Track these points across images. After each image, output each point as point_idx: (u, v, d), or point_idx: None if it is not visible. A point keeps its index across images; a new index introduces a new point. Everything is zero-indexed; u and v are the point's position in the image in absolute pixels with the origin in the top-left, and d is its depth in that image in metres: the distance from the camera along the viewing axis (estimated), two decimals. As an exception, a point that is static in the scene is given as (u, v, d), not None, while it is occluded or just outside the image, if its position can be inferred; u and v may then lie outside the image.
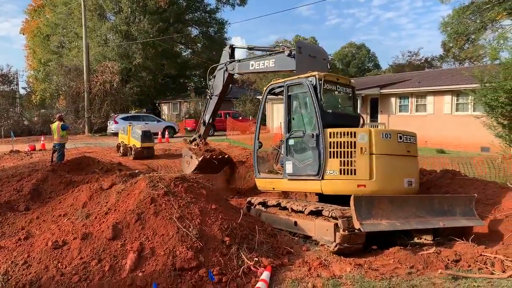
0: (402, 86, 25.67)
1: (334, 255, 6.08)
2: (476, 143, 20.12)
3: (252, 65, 9.31)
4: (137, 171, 9.52)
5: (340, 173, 6.86)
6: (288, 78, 8.08)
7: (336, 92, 8.15)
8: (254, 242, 5.82)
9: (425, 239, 6.79)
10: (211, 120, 11.35)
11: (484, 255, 5.68)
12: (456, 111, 22.18)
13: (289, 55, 8.58)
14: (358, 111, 25.18)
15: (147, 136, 16.98)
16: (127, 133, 17.66)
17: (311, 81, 7.42)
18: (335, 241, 6.29)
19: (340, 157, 6.88)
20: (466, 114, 21.23)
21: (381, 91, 25.82)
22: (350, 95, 8.41)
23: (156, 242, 5.14)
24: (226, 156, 11.86)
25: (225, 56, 10.45)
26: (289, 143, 7.80)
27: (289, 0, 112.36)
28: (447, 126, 22.13)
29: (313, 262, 5.61)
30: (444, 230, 6.89)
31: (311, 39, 63.53)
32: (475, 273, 5.26)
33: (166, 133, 26.37)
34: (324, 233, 6.53)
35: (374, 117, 26.94)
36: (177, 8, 43.05)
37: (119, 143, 18.68)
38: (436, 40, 74.83)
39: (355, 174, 6.77)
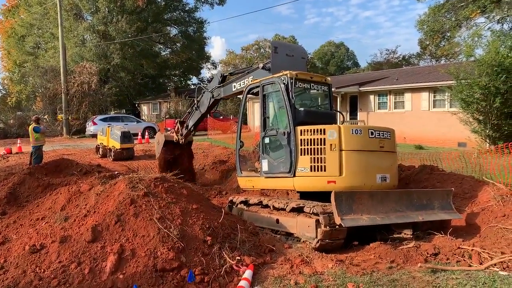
0: (380, 84, 26.02)
1: (316, 252, 6.12)
2: (453, 139, 20.52)
3: (235, 86, 9.52)
4: (116, 172, 9.40)
5: (311, 170, 6.96)
6: (264, 78, 8.22)
7: (311, 90, 8.21)
8: (236, 241, 5.80)
9: (405, 233, 6.86)
10: (193, 128, 11.63)
11: (462, 248, 5.79)
12: (433, 108, 22.58)
13: (263, 67, 8.73)
14: (338, 109, 25.42)
15: (126, 137, 16.81)
16: (106, 134, 17.44)
17: (283, 80, 7.52)
18: (316, 237, 6.33)
19: (311, 154, 6.97)
20: (443, 111, 21.64)
21: (360, 89, 26.10)
22: (327, 92, 8.45)
23: (137, 244, 5.08)
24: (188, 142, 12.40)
25: (215, 82, 10.63)
26: (265, 142, 7.92)
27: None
28: (425, 122, 22.52)
29: (295, 260, 5.63)
30: (423, 224, 6.99)
31: (290, 38, 63.77)
32: (454, 266, 5.36)
33: (146, 133, 26.12)
34: (306, 230, 6.58)
35: (353, 114, 27.21)
36: (155, 7, 42.64)
37: (98, 145, 18.45)
38: (413, 38, 76.31)
39: (325, 170, 6.85)
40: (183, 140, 11.92)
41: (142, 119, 36.46)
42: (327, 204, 6.42)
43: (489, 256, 5.47)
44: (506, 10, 24.71)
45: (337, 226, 6.19)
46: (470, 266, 5.34)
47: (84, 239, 5.08)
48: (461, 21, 28.01)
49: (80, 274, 4.68)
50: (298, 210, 6.82)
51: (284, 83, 7.48)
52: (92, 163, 13.26)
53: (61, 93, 31.48)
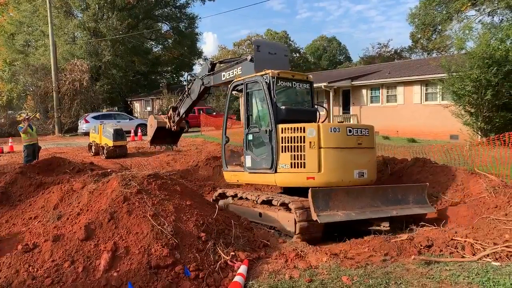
0: (372, 78, 26.06)
1: (310, 246, 6.14)
2: (445, 132, 20.65)
3: (224, 75, 9.71)
4: (109, 170, 9.35)
5: (291, 167, 7.24)
6: (247, 76, 8.41)
7: (293, 88, 8.46)
8: (231, 237, 5.80)
9: (383, 225, 7.17)
10: (184, 115, 11.90)
11: (455, 240, 5.83)
12: (425, 101, 22.66)
13: (251, 60, 8.85)
14: (331, 103, 25.47)
15: (119, 134, 16.71)
16: (99, 132, 17.33)
17: (265, 79, 7.74)
18: (295, 231, 6.70)
19: (291, 151, 7.25)
20: (435, 104, 21.74)
21: (353, 83, 26.15)
22: (308, 90, 8.70)
23: (130, 241, 5.06)
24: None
25: (204, 69, 10.84)
26: (248, 138, 8.18)
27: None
28: (417, 115, 22.61)
29: (290, 254, 5.64)
30: (402, 217, 7.31)
31: (282, 33, 63.73)
32: (447, 257, 5.40)
33: (139, 131, 26.01)
34: (286, 224, 6.94)
35: (346, 108, 27.27)
36: (146, 3, 42.34)
37: (91, 143, 18.34)
38: (404, 31, 76.46)
39: (304, 167, 7.13)
40: (175, 127, 12.22)
41: (135, 116, 36.29)
42: (305, 199, 6.71)
43: (482, 247, 5.52)
44: (496, 2, 24.85)
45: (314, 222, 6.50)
46: (463, 257, 5.38)
47: (77, 238, 5.04)
48: (452, 14, 28.14)
49: (73, 272, 4.65)
50: (280, 205, 7.13)
51: (266, 82, 7.69)
52: (85, 161, 13.16)
53: (52, 91, 31.21)
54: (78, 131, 29.10)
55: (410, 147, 14.60)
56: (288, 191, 7.73)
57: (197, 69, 61.95)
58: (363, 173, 7.42)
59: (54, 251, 4.90)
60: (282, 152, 7.33)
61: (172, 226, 5.32)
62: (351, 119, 25.97)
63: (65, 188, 6.96)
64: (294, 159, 7.19)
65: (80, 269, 4.69)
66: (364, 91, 25.90)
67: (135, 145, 20.30)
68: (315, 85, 26.98)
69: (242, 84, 8.43)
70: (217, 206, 6.54)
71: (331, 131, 7.14)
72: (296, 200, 6.92)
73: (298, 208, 6.70)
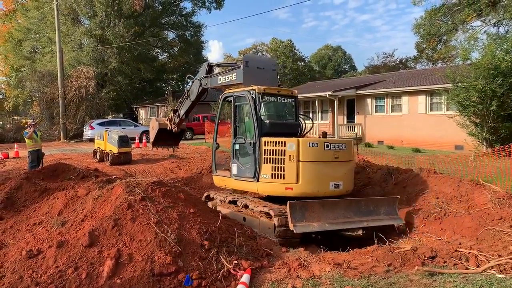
0: (377, 87, 26.08)
1: (314, 255, 6.14)
2: (450, 142, 20.59)
3: (220, 79, 10.03)
4: (114, 176, 9.39)
5: (272, 177, 7.79)
6: (236, 89, 8.99)
7: (279, 102, 9.03)
8: (234, 245, 5.80)
9: (357, 233, 8.01)
10: (184, 116, 12.25)
11: (459, 251, 5.80)
12: (430, 111, 22.64)
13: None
14: (336, 112, 25.45)
15: (124, 141, 16.76)
16: (104, 138, 17.41)
17: (251, 94, 8.28)
18: (275, 237, 7.14)
19: (272, 163, 7.79)
20: (440, 114, 21.71)
21: (357, 92, 26.17)
22: (293, 104, 9.26)
23: (134, 248, 5.07)
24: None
25: (202, 71, 11.09)
26: (235, 148, 8.77)
27: (266, 4, 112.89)
28: (422, 125, 22.57)
29: (293, 263, 5.63)
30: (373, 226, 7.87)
31: (288, 42, 63.92)
32: (451, 269, 5.37)
33: (144, 137, 26.09)
34: (266, 230, 7.39)
35: (351, 118, 27.28)
36: (152, 12, 42.66)
37: (96, 149, 18.41)
38: (410, 41, 76.62)
39: (284, 178, 7.67)
40: (176, 128, 12.50)
41: (140, 123, 36.41)
42: (285, 207, 7.20)
43: (486, 259, 5.48)
44: (502, 13, 24.84)
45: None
46: (467, 269, 5.35)
47: (81, 244, 5.06)
48: (457, 24, 28.16)
49: (77, 279, 4.66)
50: (261, 211, 7.71)
51: (252, 97, 8.24)
52: (90, 168, 13.23)
53: (58, 97, 31.40)
54: (83, 137, 29.22)
55: (415, 156, 14.56)
56: (270, 199, 8.18)
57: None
58: (338, 184, 7.93)
59: (58, 257, 4.92)
60: (264, 163, 7.89)
61: (176, 234, 5.33)
62: (355, 128, 25.95)
63: (70, 194, 6.99)
64: (275, 170, 7.74)
65: (84, 275, 4.70)
66: (368, 100, 25.91)
67: (139, 152, 20.36)
68: (319, 93, 27.16)
69: (231, 96, 8.97)
70: (220, 215, 6.55)
71: (309, 146, 7.66)
72: (277, 207, 7.45)
73: (278, 216, 7.20)
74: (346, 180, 8.10)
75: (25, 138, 13.24)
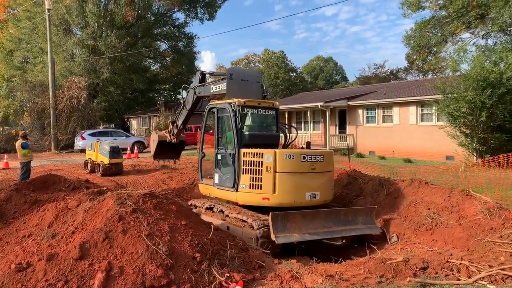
0: (369, 98, 26.27)
1: (306, 267, 6.12)
2: (441, 152, 20.74)
3: (212, 88, 10.17)
4: (105, 188, 9.31)
5: (250, 187, 8.05)
6: (219, 102, 9.29)
7: (260, 114, 9.25)
8: (226, 257, 5.77)
9: (341, 242, 8.12)
10: (182, 126, 12.49)
11: (450, 262, 5.82)
12: (421, 122, 22.82)
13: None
14: (327, 122, 25.55)
15: (115, 152, 16.65)
16: (95, 149, 17.28)
17: (232, 106, 8.52)
18: (257, 246, 7.19)
19: (251, 174, 8.04)
20: (430, 124, 21.89)
21: (349, 103, 26.34)
22: (274, 115, 9.43)
23: (125, 261, 5.03)
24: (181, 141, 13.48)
25: (196, 80, 11.25)
26: (217, 158, 9.10)
27: (258, 15, 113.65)
28: (413, 136, 22.74)
29: (285, 275, 5.61)
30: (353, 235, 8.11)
31: (280, 53, 64.36)
32: (442, 280, 5.38)
33: (135, 148, 25.97)
34: (248, 240, 7.42)
35: (342, 128, 27.42)
36: (145, 22, 42.81)
37: (87, 160, 18.27)
38: (400, 52, 77.21)
39: (261, 188, 7.91)
40: (175, 139, 12.75)
41: (132, 134, 36.26)
42: (267, 218, 7.34)
43: (477, 270, 5.51)
44: (490, 26, 25.23)
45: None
46: (458, 279, 5.37)
47: (71, 257, 5.01)
48: (447, 36, 28.57)
49: (67, 292, 4.60)
50: (244, 221, 7.84)
51: (233, 109, 8.47)
52: (80, 179, 13.12)
53: (49, 108, 31.21)
54: (74, 148, 28.98)
55: (406, 167, 14.64)
56: (250, 207, 8.33)
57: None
58: (315, 195, 8.10)
59: (48, 270, 4.86)
60: (243, 173, 8.15)
61: (167, 246, 5.30)
62: (347, 139, 26.06)
63: (60, 206, 6.92)
64: (253, 181, 7.98)
65: (74, 289, 4.64)
66: (360, 111, 26.07)
67: (131, 163, 20.25)
68: (311, 104, 27.28)
69: (215, 108, 9.23)
70: (212, 226, 6.52)
71: (286, 158, 7.83)
72: (259, 218, 7.63)
73: (260, 227, 7.37)
74: (323, 190, 8.29)
75: (21, 149, 13.16)
